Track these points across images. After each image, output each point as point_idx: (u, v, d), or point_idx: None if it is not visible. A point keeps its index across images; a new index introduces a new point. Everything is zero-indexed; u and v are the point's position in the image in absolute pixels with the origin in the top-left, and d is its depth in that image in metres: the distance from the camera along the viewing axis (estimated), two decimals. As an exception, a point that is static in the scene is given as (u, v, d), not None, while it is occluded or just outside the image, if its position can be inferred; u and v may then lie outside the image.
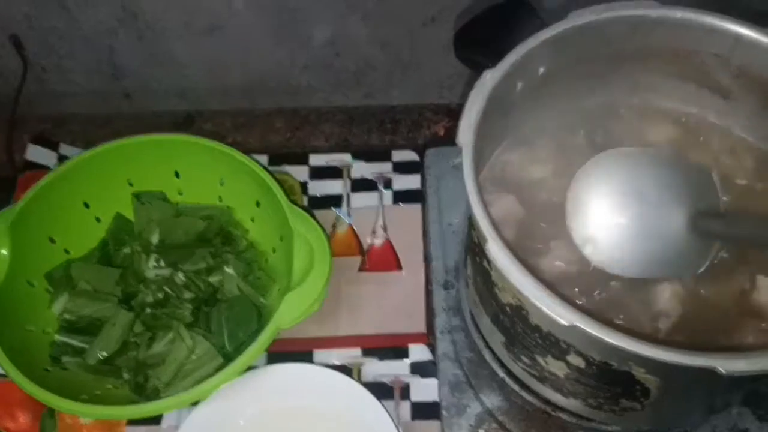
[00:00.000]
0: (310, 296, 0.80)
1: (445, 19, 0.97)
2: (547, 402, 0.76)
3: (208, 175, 0.94)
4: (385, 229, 0.96)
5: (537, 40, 0.63)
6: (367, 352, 0.88)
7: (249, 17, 0.97)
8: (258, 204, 0.92)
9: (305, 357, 0.88)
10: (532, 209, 0.69)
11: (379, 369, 0.87)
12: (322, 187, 1.00)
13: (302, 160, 1.02)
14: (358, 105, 1.10)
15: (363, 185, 1.00)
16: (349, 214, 0.98)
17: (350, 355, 0.88)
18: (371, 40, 1.01)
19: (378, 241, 0.96)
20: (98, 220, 0.94)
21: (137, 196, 0.94)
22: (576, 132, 0.72)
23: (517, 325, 0.64)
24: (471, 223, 0.66)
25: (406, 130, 1.08)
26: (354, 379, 0.85)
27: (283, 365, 0.85)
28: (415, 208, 0.97)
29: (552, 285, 0.55)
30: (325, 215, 0.97)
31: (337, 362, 0.88)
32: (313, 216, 0.86)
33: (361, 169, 1.01)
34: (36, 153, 1.02)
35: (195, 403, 0.81)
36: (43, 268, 0.89)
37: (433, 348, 0.87)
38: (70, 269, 0.89)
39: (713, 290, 0.63)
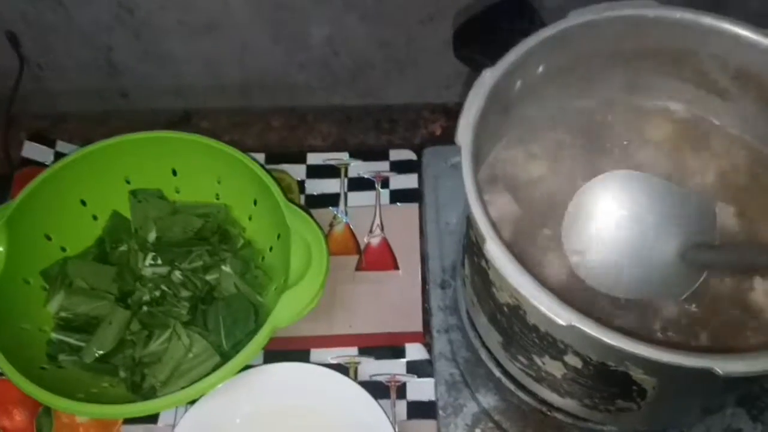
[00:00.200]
0: (307, 295, 0.80)
1: (444, 18, 0.97)
2: (544, 402, 0.76)
3: (205, 173, 0.93)
4: (382, 228, 0.96)
5: (537, 39, 0.63)
6: (364, 351, 0.88)
7: (246, 15, 0.97)
8: (255, 202, 0.91)
9: (302, 356, 0.88)
10: (529, 209, 0.69)
11: (375, 368, 0.87)
12: (319, 186, 1.00)
13: (299, 158, 1.02)
14: (355, 104, 1.10)
15: (360, 184, 1.00)
16: (346, 213, 0.98)
17: (347, 354, 0.88)
18: (369, 39, 1.01)
19: (375, 241, 0.95)
20: (95, 217, 0.93)
21: (134, 194, 0.94)
22: (574, 132, 0.72)
23: (515, 325, 0.64)
24: (469, 223, 0.66)
25: (404, 130, 1.08)
26: (350, 378, 0.85)
27: (280, 364, 0.85)
28: (412, 208, 0.97)
29: (549, 284, 0.55)
30: (323, 214, 0.97)
31: (333, 361, 0.88)
32: (311, 215, 0.86)
33: (359, 168, 1.01)
34: (33, 150, 1.02)
35: (192, 402, 0.81)
36: (39, 265, 0.88)
37: (429, 347, 0.88)
38: (66, 267, 0.89)
39: (710, 291, 0.63)
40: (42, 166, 0.99)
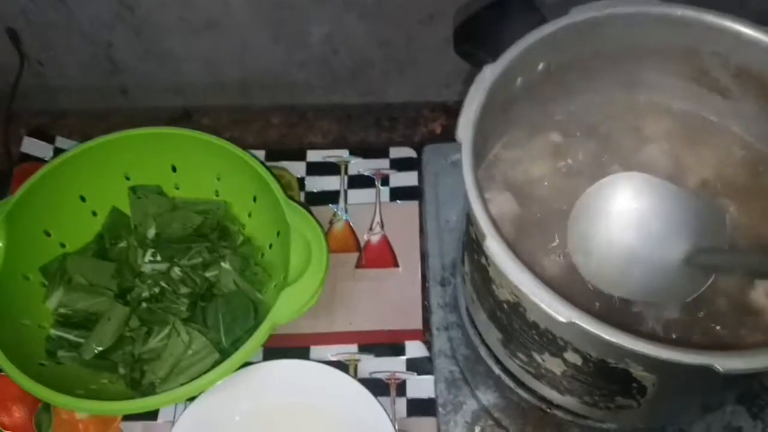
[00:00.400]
0: (306, 292, 0.80)
1: (443, 17, 0.97)
2: (543, 399, 0.76)
3: (205, 170, 0.93)
4: (382, 225, 0.96)
5: (538, 35, 0.63)
6: (364, 348, 0.88)
7: (246, 13, 0.97)
8: (255, 199, 0.91)
9: (301, 353, 0.88)
10: (529, 207, 0.69)
11: (375, 365, 0.87)
12: (319, 183, 1.00)
13: (299, 155, 1.02)
14: (355, 102, 1.10)
15: (360, 182, 1.00)
16: (346, 211, 0.98)
17: (346, 351, 0.88)
18: (369, 37, 1.01)
19: (375, 238, 0.95)
20: (94, 213, 0.93)
21: (133, 190, 0.94)
22: (575, 129, 0.72)
23: (515, 322, 0.64)
24: (469, 220, 0.66)
25: (404, 128, 1.08)
26: (350, 375, 0.85)
27: (280, 361, 0.85)
28: (412, 205, 0.97)
29: (549, 282, 0.55)
30: (322, 211, 0.97)
31: (333, 358, 0.87)
32: (310, 212, 0.86)
33: (359, 166, 1.01)
34: (32, 145, 1.02)
35: (191, 399, 0.81)
36: (39, 261, 0.88)
37: (429, 345, 0.88)
38: (65, 263, 0.89)
39: (711, 289, 0.63)
40: (41, 161, 0.99)
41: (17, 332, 0.83)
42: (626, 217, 0.62)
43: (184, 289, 0.88)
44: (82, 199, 0.92)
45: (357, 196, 0.99)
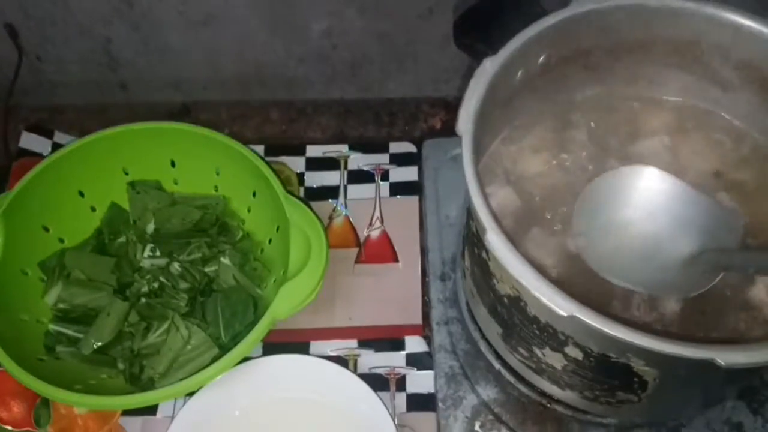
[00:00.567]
0: (306, 287, 0.80)
1: (443, 12, 0.97)
2: (544, 394, 0.76)
3: (204, 165, 0.93)
4: (381, 220, 0.96)
5: (538, 28, 0.63)
6: (363, 343, 0.88)
7: (244, 8, 0.97)
8: (254, 194, 0.91)
9: (301, 348, 0.87)
10: (530, 201, 0.68)
11: (374, 360, 0.87)
12: (318, 178, 1.00)
13: (299, 150, 1.02)
14: (354, 98, 1.10)
15: (360, 177, 1.00)
16: (345, 206, 0.98)
17: (346, 346, 0.88)
18: (368, 32, 1.01)
19: (375, 233, 0.95)
20: (93, 209, 0.93)
21: (132, 185, 0.94)
22: (574, 123, 0.72)
23: (515, 317, 0.64)
24: (469, 214, 0.66)
25: (403, 123, 1.08)
26: (350, 370, 0.84)
27: (279, 356, 0.84)
28: (412, 200, 0.97)
29: (549, 276, 0.55)
30: (322, 206, 0.97)
31: (332, 353, 0.87)
32: (310, 207, 0.86)
33: (358, 161, 1.01)
34: (30, 140, 1.02)
35: (190, 394, 0.81)
36: (37, 256, 0.88)
37: (429, 340, 0.87)
38: (64, 258, 0.89)
39: (711, 285, 0.63)
40: (39, 156, 0.99)
41: (16, 327, 0.82)
42: (635, 210, 0.62)
43: (183, 285, 0.87)
44: (81, 194, 0.92)
45: (357, 191, 0.99)
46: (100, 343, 0.84)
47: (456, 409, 0.81)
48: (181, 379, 0.78)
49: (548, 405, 0.77)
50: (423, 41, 1.02)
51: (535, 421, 0.80)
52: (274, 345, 0.86)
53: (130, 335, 0.85)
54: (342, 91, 1.10)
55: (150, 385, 0.82)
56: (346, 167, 1.00)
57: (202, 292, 0.88)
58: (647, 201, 0.62)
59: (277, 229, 0.88)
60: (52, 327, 0.85)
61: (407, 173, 0.99)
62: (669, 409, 0.72)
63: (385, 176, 0.99)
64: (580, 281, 0.63)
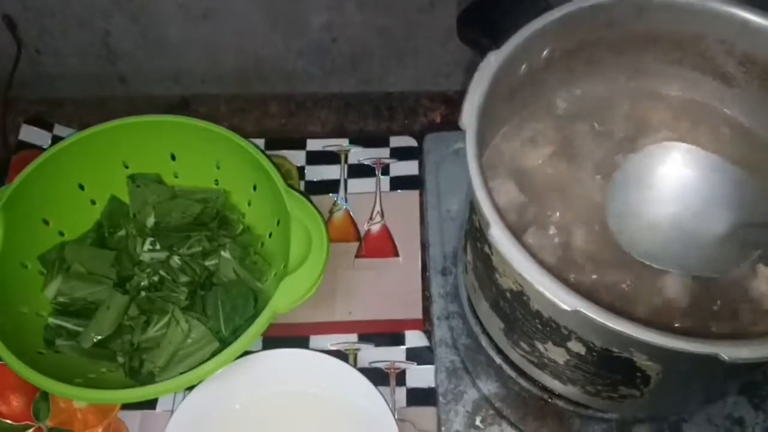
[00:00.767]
0: (306, 281, 0.80)
1: (444, 5, 0.96)
2: (545, 389, 0.76)
3: (204, 158, 0.93)
4: (382, 215, 0.96)
5: (542, 22, 0.63)
6: (363, 337, 0.88)
7: (244, 1, 0.97)
8: (255, 188, 0.91)
9: (301, 342, 0.87)
10: (533, 195, 0.68)
11: (375, 355, 0.87)
12: (319, 172, 1.00)
13: (299, 144, 1.02)
14: (354, 91, 1.10)
15: (360, 171, 0.99)
16: (346, 200, 0.97)
17: (346, 340, 0.88)
18: (368, 26, 1.01)
19: (375, 227, 0.95)
20: (93, 202, 0.93)
21: (132, 179, 0.93)
22: (578, 118, 0.71)
23: (517, 311, 0.64)
24: (472, 208, 0.66)
25: (403, 117, 1.08)
26: (350, 364, 0.84)
27: (279, 350, 0.84)
28: (412, 195, 0.97)
29: (552, 271, 0.55)
30: (322, 200, 0.97)
31: (333, 348, 0.87)
32: (311, 201, 0.86)
33: (359, 155, 1.01)
34: (30, 133, 1.01)
35: (190, 388, 0.81)
36: (37, 250, 0.88)
37: (429, 334, 0.87)
38: (64, 251, 0.88)
39: (713, 277, 0.63)
40: (39, 149, 0.99)
41: (15, 321, 0.82)
42: (668, 188, 0.62)
43: (183, 278, 0.87)
44: (81, 187, 0.91)
45: (357, 185, 0.99)
46: (99, 337, 0.83)
47: (457, 403, 0.81)
48: (181, 373, 0.78)
49: (549, 400, 0.77)
50: (423, 35, 1.02)
51: (536, 416, 0.80)
52: (275, 339, 0.86)
53: (130, 329, 0.85)
54: (342, 84, 1.10)
55: (150, 379, 0.82)
56: (346, 161, 1.00)
57: (203, 285, 0.88)
58: (679, 178, 0.62)
59: (278, 223, 0.88)
60: (51, 320, 0.85)
61: (408, 167, 0.99)
62: (671, 404, 0.72)
63: (385, 170, 0.99)
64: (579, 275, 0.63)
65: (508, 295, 0.63)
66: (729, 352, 0.49)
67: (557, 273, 0.54)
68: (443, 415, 0.81)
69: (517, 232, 0.63)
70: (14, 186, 0.84)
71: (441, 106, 1.08)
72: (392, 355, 0.87)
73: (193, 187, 0.95)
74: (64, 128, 1.03)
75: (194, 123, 0.90)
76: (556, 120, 0.72)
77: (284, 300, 0.79)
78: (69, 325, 0.85)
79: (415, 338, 0.88)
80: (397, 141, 1.01)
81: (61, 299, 0.86)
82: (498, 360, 0.79)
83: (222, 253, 0.89)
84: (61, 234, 0.90)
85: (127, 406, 0.84)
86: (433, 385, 0.84)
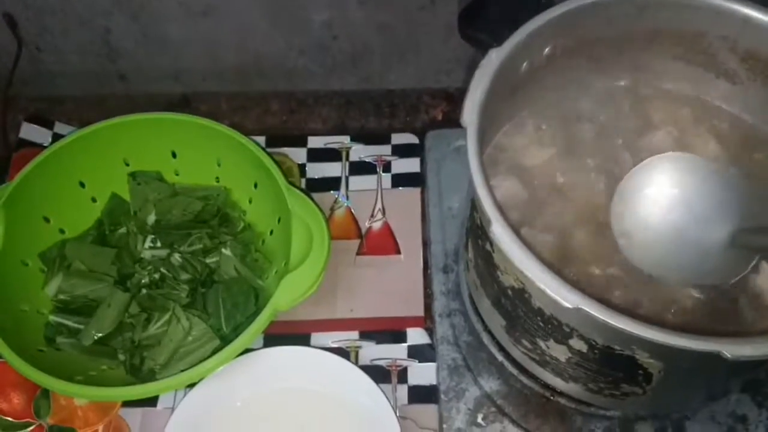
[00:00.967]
0: (308, 279, 0.80)
1: (445, 3, 0.96)
2: (547, 386, 0.76)
3: (205, 156, 0.93)
4: (383, 212, 0.96)
5: (544, 19, 0.63)
6: (365, 335, 0.88)
7: (245, -1, 0.97)
8: (256, 185, 0.91)
9: (302, 340, 0.87)
10: (534, 193, 0.68)
11: (376, 352, 0.87)
12: (320, 170, 1.00)
13: (300, 142, 1.02)
14: (355, 89, 1.10)
15: (362, 168, 0.99)
16: (347, 197, 0.97)
17: (347, 338, 0.88)
18: (369, 23, 1.01)
19: (376, 225, 0.95)
20: (94, 199, 0.93)
21: (133, 176, 0.93)
22: (579, 115, 0.71)
23: (519, 309, 0.64)
24: (474, 205, 0.66)
25: (404, 115, 1.08)
26: (351, 362, 0.84)
27: (280, 348, 0.84)
28: (414, 192, 0.97)
29: (554, 268, 0.54)
30: (323, 198, 0.97)
31: (334, 345, 0.87)
32: (312, 198, 0.86)
33: (360, 152, 1.00)
34: (31, 131, 1.01)
35: (191, 385, 0.81)
36: (38, 247, 0.88)
37: (430, 332, 0.87)
38: (64, 249, 0.88)
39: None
40: (40, 147, 0.99)
41: (16, 318, 0.82)
42: (670, 199, 0.62)
43: (184, 276, 0.87)
44: (82, 185, 0.91)
45: (358, 182, 0.98)
46: (100, 334, 0.83)
47: (458, 401, 0.81)
48: (182, 371, 0.78)
49: (551, 397, 0.77)
50: (424, 32, 1.02)
51: (538, 414, 0.79)
52: (276, 336, 0.86)
53: (131, 326, 0.85)
54: (343, 82, 1.10)
55: (150, 377, 0.82)
56: (347, 158, 1.00)
57: (203, 283, 0.88)
58: (681, 188, 0.62)
59: (279, 221, 0.88)
60: (52, 318, 0.85)
61: (409, 164, 0.99)
62: (673, 402, 0.72)
63: (387, 167, 0.99)
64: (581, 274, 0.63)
65: (510, 292, 0.63)
66: (731, 349, 0.49)
67: (558, 270, 0.54)
68: (445, 412, 0.81)
69: (518, 230, 0.63)
70: (15, 184, 0.84)
71: (442, 104, 1.08)
72: (394, 353, 0.87)
73: (194, 184, 0.95)
74: (65, 126, 1.03)
75: (195, 120, 0.90)
76: (557, 118, 0.71)
77: (285, 297, 0.79)
78: (70, 323, 0.84)
79: (416, 336, 0.87)
80: (398, 138, 1.01)
81: (61, 297, 0.86)
82: (500, 357, 0.79)
83: (223, 250, 0.89)
84: (62, 231, 0.90)
85: (127, 404, 0.84)
86: (434, 383, 0.84)
